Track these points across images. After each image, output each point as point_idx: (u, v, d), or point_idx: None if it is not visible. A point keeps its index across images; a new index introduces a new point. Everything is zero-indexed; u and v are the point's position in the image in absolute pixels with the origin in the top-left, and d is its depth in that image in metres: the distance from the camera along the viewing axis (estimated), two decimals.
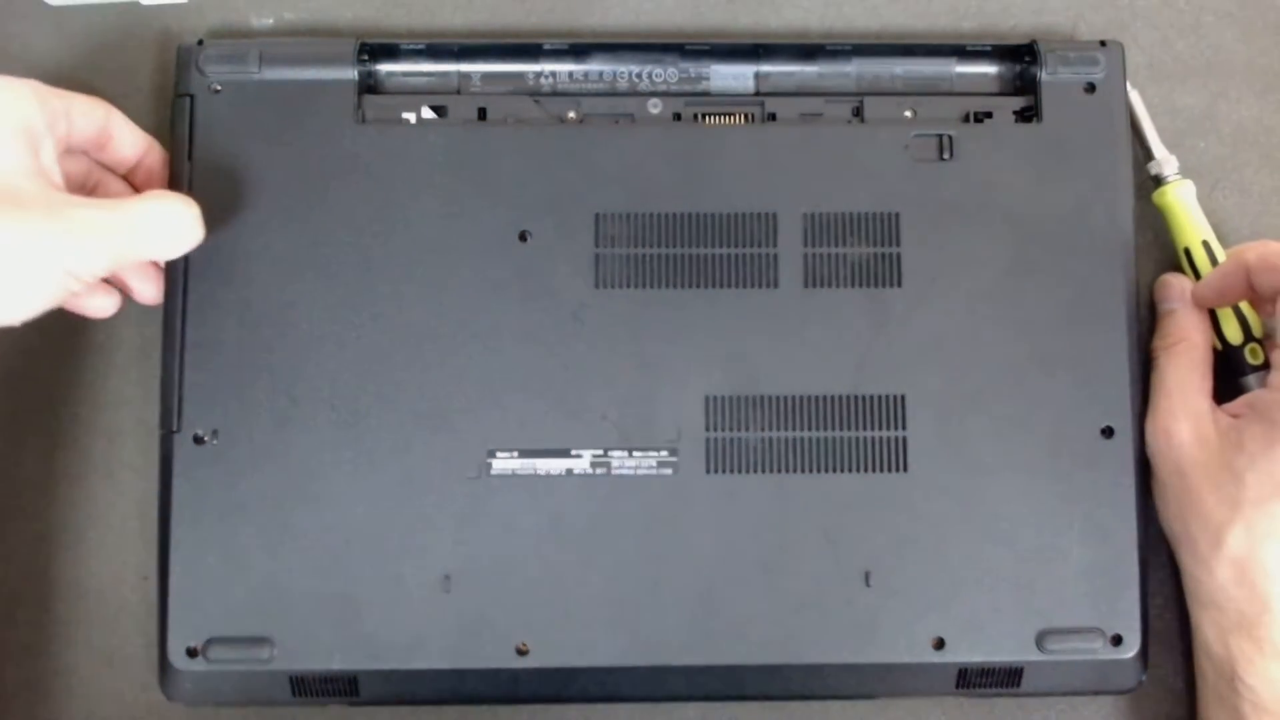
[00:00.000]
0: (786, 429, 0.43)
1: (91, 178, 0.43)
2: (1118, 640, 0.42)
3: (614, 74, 0.46)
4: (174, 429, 0.42)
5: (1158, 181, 0.47)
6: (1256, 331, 0.45)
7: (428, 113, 0.45)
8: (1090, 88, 0.45)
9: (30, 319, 0.37)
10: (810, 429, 0.43)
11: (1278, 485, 0.40)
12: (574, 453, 0.42)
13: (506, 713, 0.44)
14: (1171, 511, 0.43)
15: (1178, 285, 0.45)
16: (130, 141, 0.43)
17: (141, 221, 0.39)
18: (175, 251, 0.40)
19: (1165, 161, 0.46)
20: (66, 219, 0.37)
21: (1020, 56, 0.46)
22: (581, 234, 0.44)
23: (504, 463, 0.42)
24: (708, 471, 0.42)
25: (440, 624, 0.41)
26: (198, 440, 0.42)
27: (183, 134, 0.44)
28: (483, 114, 0.45)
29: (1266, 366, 0.44)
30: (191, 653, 0.41)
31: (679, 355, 0.43)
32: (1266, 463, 0.40)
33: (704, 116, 0.46)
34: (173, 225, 0.40)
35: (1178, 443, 0.42)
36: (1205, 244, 0.46)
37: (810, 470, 0.42)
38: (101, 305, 0.43)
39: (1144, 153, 0.47)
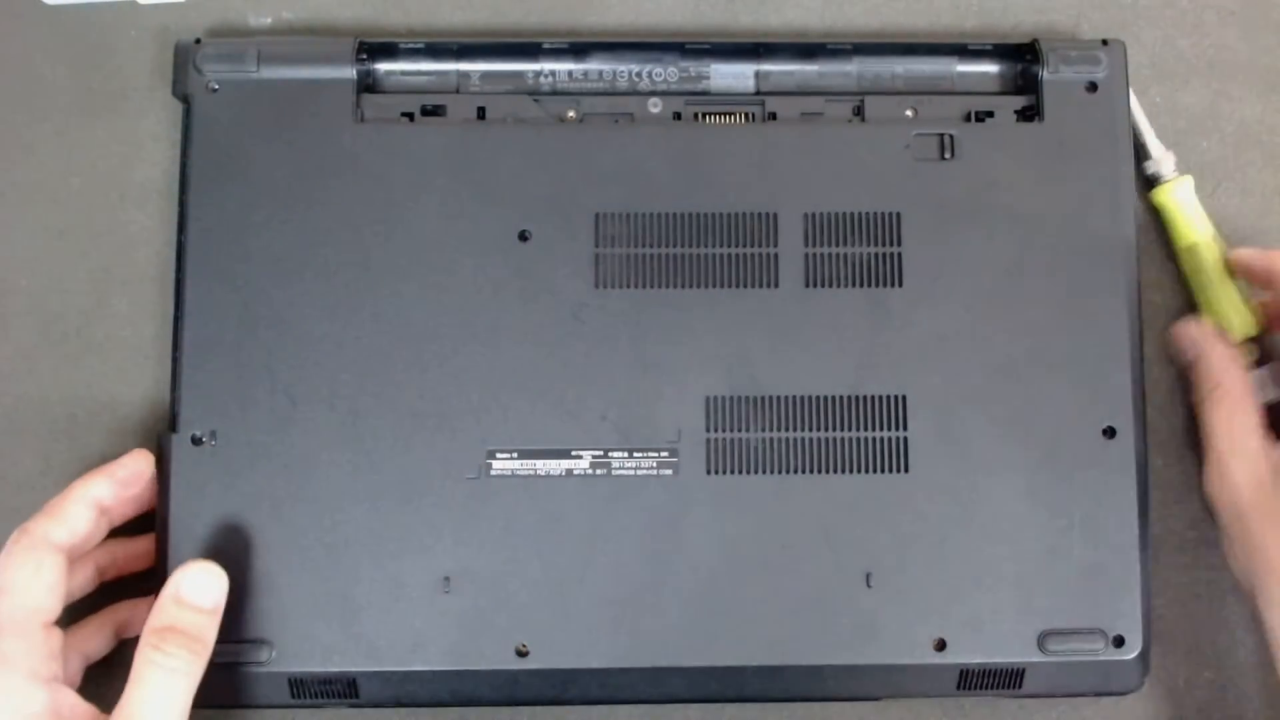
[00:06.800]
0: (787, 429, 0.43)
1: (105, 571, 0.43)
2: (1119, 641, 0.42)
3: (614, 73, 0.46)
4: (172, 429, 0.42)
5: (1155, 181, 0.46)
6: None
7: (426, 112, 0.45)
8: (1092, 87, 0.45)
9: None
10: (811, 429, 0.43)
11: None
12: (574, 453, 0.42)
13: (506, 714, 0.44)
14: (1239, 560, 0.42)
15: (1192, 329, 0.45)
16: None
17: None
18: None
19: (1163, 160, 0.46)
20: None
21: (1022, 55, 0.46)
22: (581, 234, 0.43)
23: (504, 463, 0.42)
24: (708, 472, 0.42)
25: (440, 625, 0.41)
26: (196, 441, 0.42)
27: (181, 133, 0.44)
28: (482, 113, 0.45)
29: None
30: None
31: (679, 355, 0.43)
32: None
33: (704, 116, 0.46)
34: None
35: (1231, 485, 0.42)
36: (1210, 240, 0.45)
37: (811, 471, 0.42)
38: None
39: (1140, 151, 0.47)
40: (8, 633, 0.37)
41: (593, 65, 0.46)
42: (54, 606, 0.38)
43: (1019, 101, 0.46)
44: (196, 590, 0.39)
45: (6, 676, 0.37)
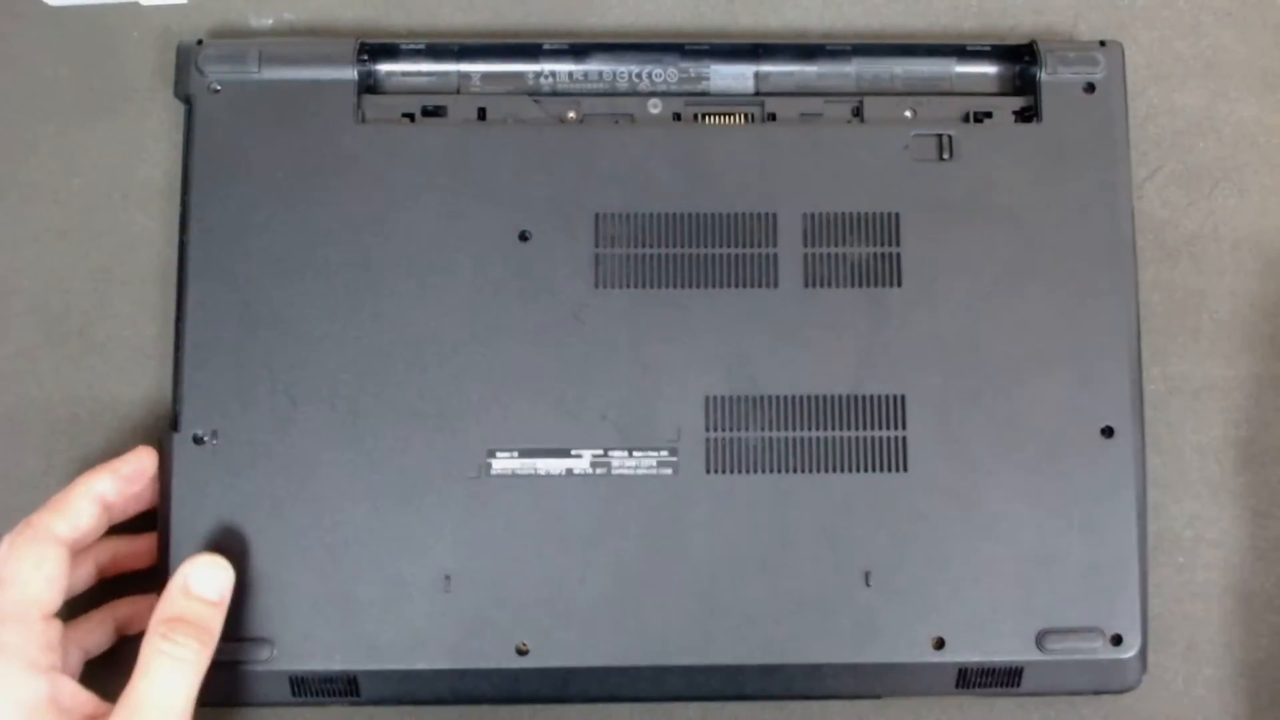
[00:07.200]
0: (786, 429, 0.43)
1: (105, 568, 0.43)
2: (1117, 640, 0.42)
3: (614, 74, 0.46)
4: (173, 429, 0.42)
5: None
6: None
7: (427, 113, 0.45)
8: (1090, 88, 0.45)
9: None
10: (810, 429, 0.43)
11: None
12: (574, 453, 0.42)
13: (507, 713, 0.44)
14: None
15: None
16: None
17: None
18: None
19: None
20: None
21: (1020, 56, 0.46)
22: (581, 234, 0.44)
23: (504, 463, 0.42)
24: (708, 471, 0.42)
25: (440, 624, 0.41)
26: (197, 440, 0.42)
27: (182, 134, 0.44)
28: (482, 114, 0.45)
29: None
30: None
31: (679, 355, 0.43)
32: None
33: (704, 116, 0.46)
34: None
35: None
36: None
37: (810, 470, 0.43)
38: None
39: None
40: (7, 624, 0.37)
41: (593, 66, 0.46)
42: (54, 599, 0.39)
43: (1017, 102, 0.46)
44: (204, 582, 0.39)
45: (5, 667, 0.37)
